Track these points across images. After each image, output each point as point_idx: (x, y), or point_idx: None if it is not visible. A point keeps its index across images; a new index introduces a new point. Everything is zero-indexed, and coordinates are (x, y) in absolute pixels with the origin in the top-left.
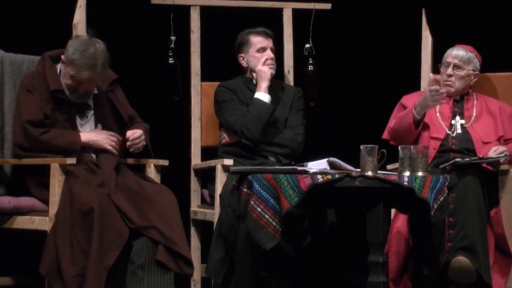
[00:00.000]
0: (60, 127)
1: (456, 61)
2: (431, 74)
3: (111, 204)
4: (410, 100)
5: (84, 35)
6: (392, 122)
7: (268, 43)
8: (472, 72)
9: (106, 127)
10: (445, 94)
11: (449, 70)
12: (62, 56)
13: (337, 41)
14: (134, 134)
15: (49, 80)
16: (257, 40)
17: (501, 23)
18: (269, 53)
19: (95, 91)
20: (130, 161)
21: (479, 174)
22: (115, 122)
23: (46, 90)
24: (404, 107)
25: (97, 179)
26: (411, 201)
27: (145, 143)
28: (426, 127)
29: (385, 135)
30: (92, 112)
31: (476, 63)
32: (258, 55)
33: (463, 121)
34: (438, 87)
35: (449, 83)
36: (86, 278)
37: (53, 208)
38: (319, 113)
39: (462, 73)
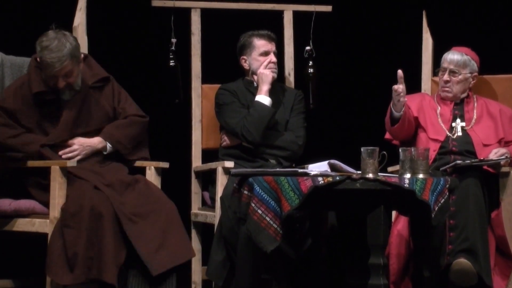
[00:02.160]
0: (51, 128)
1: (451, 66)
2: (399, 71)
3: (117, 206)
4: (411, 101)
5: (49, 31)
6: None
7: (271, 46)
8: (469, 75)
9: (83, 123)
10: (399, 92)
11: (446, 76)
12: (35, 57)
13: (337, 43)
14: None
15: (31, 83)
16: (261, 44)
17: (501, 25)
18: (271, 57)
19: (77, 87)
20: (131, 163)
21: (479, 176)
22: (98, 117)
23: (29, 94)
24: (407, 107)
25: (104, 181)
26: (412, 203)
27: (81, 153)
28: (426, 128)
29: (387, 135)
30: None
31: (473, 65)
32: (261, 58)
33: (463, 124)
34: (396, 86)
35: (446, 89)
36: (103, 270)
37: (54, 211)
38: (319, 116)
39: (458, 77)
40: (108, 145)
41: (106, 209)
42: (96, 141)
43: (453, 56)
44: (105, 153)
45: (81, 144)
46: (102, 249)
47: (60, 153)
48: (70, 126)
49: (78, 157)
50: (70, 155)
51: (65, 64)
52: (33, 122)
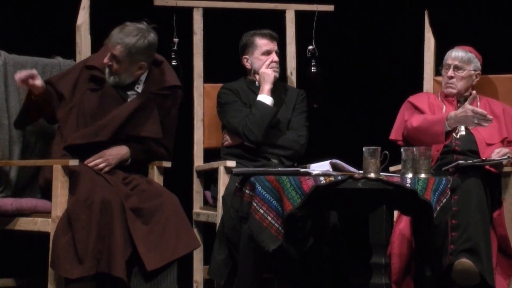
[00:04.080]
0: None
1: (456, 62)
2: (474, 92)
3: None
4: (419, 100)
5: (143, 22)
6: (411, 121)
7: (273, 46)
8: (473, 72)
9: (136, 126)
10: (491, 120)
11: (450, 72)
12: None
13: (340, 42)
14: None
15: (89, 59)
16: (263, 43)
17: (503, 25)
18: (273, 56)
19: (138, 88)
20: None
21: (482, 176)
22: (137, 123)
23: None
24: (415, 106)
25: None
26: (414, 203)
27: (110, 164)
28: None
29: (392, 136)
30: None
31: (477, 62)
32: (263, 57)
33: None
34: (485, 112)
35: (450, 85)
36: (113, 264)
37: (56, 210)
38: (321, 115)
39: (463, 73)
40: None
41: (116, 202)
42: (125, 152)
43: (457, 53)
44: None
45: (110, 155)
46: (111, 243)
47: (90, 162)
48: (115, 125)
49: (106, 169)
50: (100, 166)
51: (117, 47)
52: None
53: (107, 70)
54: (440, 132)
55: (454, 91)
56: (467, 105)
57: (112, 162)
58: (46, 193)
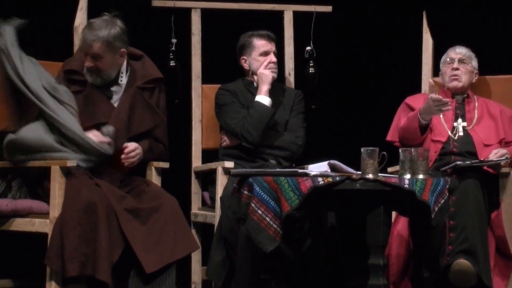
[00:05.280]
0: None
1: (460, 56)
2: (431, 80)
3: (114, 203)
4: (415, 101)
5: (105, 13)
6: (400, 122)
7: (271, 46)
8: (474, 69)
9: (121, 122)
10: (449, 103)
11: (456, 64)
12: None
13: (338, 43)
14: (129, 147)
15: (68, 62)
16: (260, 44)
17: (501, 26)
18: (271, 57)
19: (106, 77)
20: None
21: (479, 177)
22: (145, 118)
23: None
24: (410, 108)
25: (107, 178)
26: (412, 203)
27: (140, 158)
28: (430, 130)
29: (389, 137)
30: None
31: (476, 62)
32: (260, 58)
33: (465, 124)
34: (440, 97)
35: (456, 77)
36: (98, 266)
37: (54, 211)
38: (319, 116)
39: (467, 67)
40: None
41: (101, 204)
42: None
43: (460, 49)
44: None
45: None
46: (96, 246)
47: (123, 157)
48: (123, 133)
49: (135, 159)
50: (132, 154)
51: (95, 44)
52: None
53: (91, 76)
54: (415, 127)
55: (460, 83)
56: (429, 95)
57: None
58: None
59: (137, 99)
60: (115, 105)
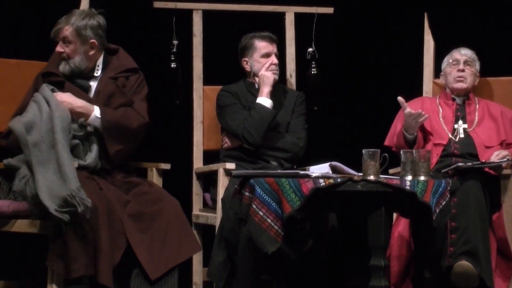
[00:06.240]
0: None
1: (465, 58)
2: (400, 98)
3: (118, 209)
4: (413, 107)
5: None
6: (397, 127)
7: (272, 48)
8: (477, 72)
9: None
10: (422, 113)
11: (461, 66)
12: None
13: (339, 45)
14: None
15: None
16: (262, 45)
17: (503, 28)
18: (273, 59)
19: (97, 73)
20: (133, 164)
21: (481, 178)
22: (113, 106)
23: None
24: None
25: (110, 180)
26: (413, 205)
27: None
28: (430, 133)
29: (387, 142)
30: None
31: (479, 64)
32: (262, 60)
33: (465, 126)
34: (412, 111)
35: (462, 78)
36: (99, 270)
37: None
38: (321, 117)
39: (472, 69)
40: (95, 114)
41: (102, 207)
42: (80, 102)
43: (465, 50)
44: (85, 122)
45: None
46: (98, 248)
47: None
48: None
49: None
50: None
51: (66, 28)
52: None
53: (61, 63)
54: (403, 144)
55: (465, 85)
56: (404, 111)
57: (74, 105)
58: None
59: (110, 87)
60: (91, 96)
